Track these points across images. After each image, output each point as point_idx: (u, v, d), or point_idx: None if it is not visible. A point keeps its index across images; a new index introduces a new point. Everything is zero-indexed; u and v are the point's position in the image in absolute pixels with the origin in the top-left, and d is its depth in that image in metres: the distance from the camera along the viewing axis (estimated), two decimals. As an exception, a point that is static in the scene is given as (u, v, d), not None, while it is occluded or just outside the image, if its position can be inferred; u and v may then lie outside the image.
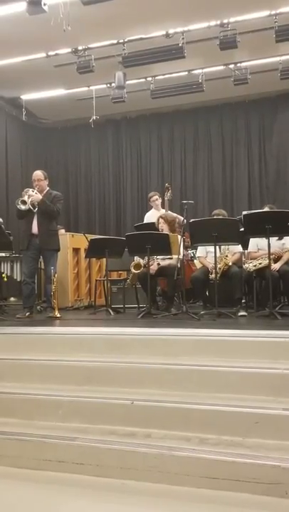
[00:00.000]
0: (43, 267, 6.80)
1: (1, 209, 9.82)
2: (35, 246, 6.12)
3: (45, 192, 6.21)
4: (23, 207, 5.98)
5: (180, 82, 9.11)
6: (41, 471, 3.13)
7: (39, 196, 6.08)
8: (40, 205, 6.05)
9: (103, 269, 7.68)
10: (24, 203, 5.99)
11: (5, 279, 7.53)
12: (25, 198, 6.01)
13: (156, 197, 7.83)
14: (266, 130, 10.61)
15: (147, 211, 8.31)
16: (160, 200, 7.80)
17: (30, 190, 6.12)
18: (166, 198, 7.68)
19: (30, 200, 6.00)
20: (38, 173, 6.29)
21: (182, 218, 6.33)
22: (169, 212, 7.18)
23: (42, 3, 6.10)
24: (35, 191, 6.12)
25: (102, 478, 2.99)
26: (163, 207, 7.74)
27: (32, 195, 6.05)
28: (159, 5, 7.06)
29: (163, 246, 5.66)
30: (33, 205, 6.03)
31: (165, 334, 4.18)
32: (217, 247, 5.59)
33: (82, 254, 7.58)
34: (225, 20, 7.46)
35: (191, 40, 7.68)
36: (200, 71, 8.93)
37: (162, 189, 8.17)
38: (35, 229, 6.11)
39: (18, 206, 6.00)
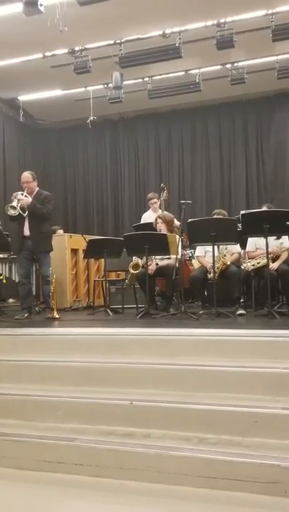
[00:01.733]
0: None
1: (-1, 210, 9.82)
2: (27, 248, 6.10)
3: (35, 193, 6.16)
4: (12, 212, 5.93)
5: (177, 82, 9.11)
6: (40, 472, 3.14)
7: (28, 200, 6.01)
8: (30, 208, 6.01)
9: (102, 269, 7.67)
10: (14, 208, 5.92)
11: (4, 281, 7.51)
12: (14, 203, 5.95)
13: (156, 200, 7.83)
14: (264, 129, 10.61)
15: (145, 211, 8.31)
16: (158, 203, 7.81)
17: (20, 193, 6.04)
18: (161, 198, 7.69)
19: (19, 204, 5.95)
20: (26, 175, 6.22)
21: (178, 223, 6.33)
22: (166, 212, 7.17)
23: (38, 4, 6.09)
24: (25, 194, 6.07)
25: (101, 479, 3.00)
26: (160, 208, 7.75)
27: (21, 199, 5.97)
28: (156, 5, 7.06)
29: (161, 246, 5.66)
30: (23, 209, 5.98)
31: (164, 334, 4.18)
32: (216, 246, 5.58)
33: (81, 254, 7.57)
34: (222, 20, 7.45)
35: (188, 40, 7.67)
36: (197, 71, 8.92)
37: (159, 189, 8.17)
38: (27, 231, 6.07)
39: (7, 212, 5.96)
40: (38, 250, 6.09)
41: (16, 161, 10.84)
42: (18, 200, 5.96)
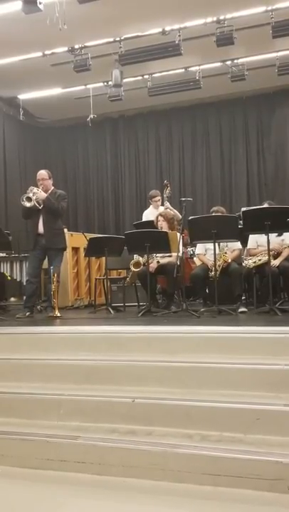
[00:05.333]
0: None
1: (-1, 209, 9.85)
2: (41, 245, 6.12)
3: (50, 191, 6.21)
4: (28, 204, 5.95)
5: (177, 80, 9.10)
6: (43, 471, 3.14)
7: (44, 194, 6.06)
8: (46, 203, 6.03)
9: (103, 267, 7.67)
10: (29, 199, 5.95)
11: (8, 277, 7.52)
12: (30, 194, 5.98)
13: (159, 197, 7.80)
14: (264, 126, 10.60)
15: (146, 209, 8.30)
16: (161, 200, 7.79)
17: (35, 188, 6.10)
18: (164, 195, 7.66)
19: (35, 197, 5.98)
20: (43, 173, 6.28)
21: (180, 216, 6.34)
22: (168, 209, 7.16)
23: (38, 2, 6.09)
24: (40, 190, 6.10)
25: (104, 477, 3.00)
26: (162, 205, 7.73)
27: (37, 193, 6.03)
28: (155, 2, 7.05)
29: (162, 244, 5.66)
30: (38, 202, 6.02)
31: (165, 332, 4.18)
32: (216, 244, 5.57)
33: (82, 253, 7.58)
34: (221, 17, 7.45)
35: (188, 37, 7.66)
36: (197, 68, 8.92)
37: (161, 186, 8.16)
38: (41, 229, 6.10)
39: (22, 203, 5.97)
40: (51, 247, 6.11)
41: (16, 159, 10.84)
42: (34, 193, 5.99)
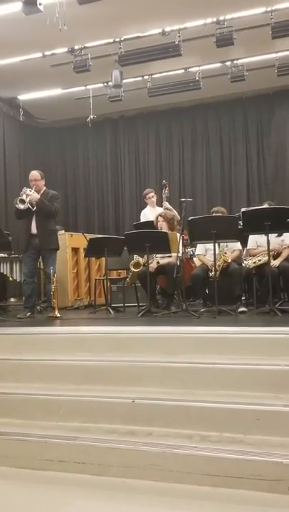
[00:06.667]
0: (42, 266, 6.80)
1: (-1, 209, 9.84)
2: (34, 246, 6.13)
3: (42, 192, 6.23)
4: (21, 206, 5.98)
5: (177, 80, 9.10)
6: (43, 471, 3.13)
7: (37, 196, 6.09)
8: (39, 204, 6.05)
9: (102, 268, 7.68)
10: (23, 202, 5.99)
11: (10, 279, 7.53)
12: (24, 197, 6.01)
13: (153, 193, 7.82)
14: (264, 127, 10.60)
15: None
16: (156, 197, 7.80)
17: (28, 189, 6.12)
18: (164, 196, 7.66)
19: (28, 199, 6.01)
20: (35, 173, 6.32)
21: (179, 218, 6.35)
22: (167, 209, 7.16)
23: (38, 3, 6.08)
24: (33, 191, 6.12)
25: (104, 477, 2.99)
26: (159, 204, 7.73)
27: (30, 195, 6.05)
28: (155, 3, 7.05)
29: (162, 244, 5.66)
30: (31, 204, 6.03)
31: (165, 332, 4.18)
32: (216, 244, 5.57)
33: (82, 253, 7.58)
34: (221, 18, 7.45)
35: (188, 37, 7.66)
36: (197, 68, 8.92)
37: (160, 187, 8.15)
38: (34, 229, 6.12)
39: (16, 206, 6.01)
40: (45, 248, 6.13)
41: (16, 160, 10.84)
42: (27, 195, 6.01)
